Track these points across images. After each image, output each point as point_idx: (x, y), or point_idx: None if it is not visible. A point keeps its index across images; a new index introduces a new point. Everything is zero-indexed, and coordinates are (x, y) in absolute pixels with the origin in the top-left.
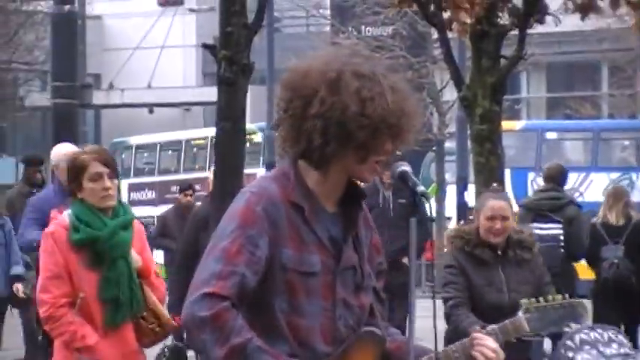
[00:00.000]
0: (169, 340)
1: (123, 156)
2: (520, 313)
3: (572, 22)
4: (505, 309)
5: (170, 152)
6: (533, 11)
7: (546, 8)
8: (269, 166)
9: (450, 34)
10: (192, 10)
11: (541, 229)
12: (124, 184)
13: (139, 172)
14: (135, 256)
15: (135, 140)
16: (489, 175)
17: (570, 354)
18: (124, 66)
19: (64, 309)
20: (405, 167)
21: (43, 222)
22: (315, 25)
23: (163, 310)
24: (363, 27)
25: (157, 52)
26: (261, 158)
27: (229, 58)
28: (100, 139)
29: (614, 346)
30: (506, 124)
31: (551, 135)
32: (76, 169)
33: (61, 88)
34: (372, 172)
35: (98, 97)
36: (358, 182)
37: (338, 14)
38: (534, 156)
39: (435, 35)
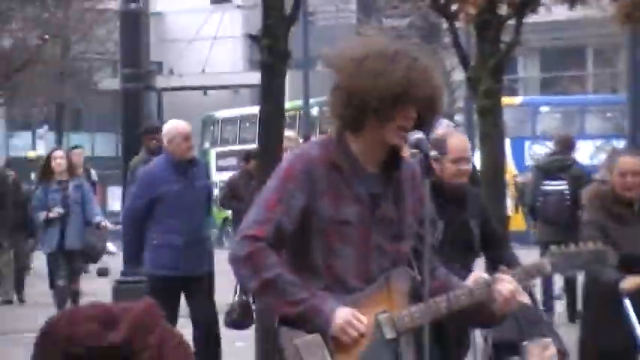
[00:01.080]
0: (237, 297)
1: (212, 128)
2: (546, 257)
3: (561, 12)
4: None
5: (247, 124)
6: (528, 2)
7: (539, 0)
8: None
9: (457, 24)
10: (239, 7)
11: (550, 185)
12: (212, 152)
13: (224, 142)
14: None
15: (220, 114)
16: (492, 143)
17: None
18: (182, 55)
19: None
20: (419, 135)
21: (151, 198)
22: (343, 18)
23: None
24: (383, 19)
25: (210, 42)
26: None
27: (270, 47)
28: (162, 117)
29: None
30: (506, 100)
31: (544, 109)
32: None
33: (128, 74)
34: (396, 137)
35: (160, 82)
36: (400, 150)
37: (362, 8)
38: (530, 127)
39: (445, 25)
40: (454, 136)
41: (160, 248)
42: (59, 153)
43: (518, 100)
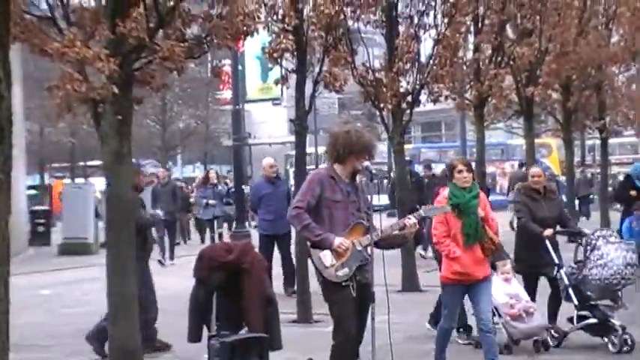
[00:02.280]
0: None
1: (289, 159)
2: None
3: (429, 105)
4: (547, 220)
5: None
6: (414, 102)
7: (420, 101)
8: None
9: (384, 112)
10: (284, 106)
11: None
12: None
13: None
14: (480, 212)
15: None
16: (400, 168)
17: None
18: (259, 128)
19: (445, 238)
20: (367, 163)
21: (255, 202)
22: (331, 110)
23: (496, 237)
24: (350, 111)
25: (272, 123)
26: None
27: (299, 124)
28: (252, 160)
29: (614, 237)
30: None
31: (424, 150)
32: (450, 168)
33: (236, 138)
34: (358, 165)
35: (249, 142)
36: (371, 171)
37: (340, 106)
38: (417, 160)
39: (378, 113)
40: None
41: (263, 221)
42: (212, 172)
43: (411, 146)
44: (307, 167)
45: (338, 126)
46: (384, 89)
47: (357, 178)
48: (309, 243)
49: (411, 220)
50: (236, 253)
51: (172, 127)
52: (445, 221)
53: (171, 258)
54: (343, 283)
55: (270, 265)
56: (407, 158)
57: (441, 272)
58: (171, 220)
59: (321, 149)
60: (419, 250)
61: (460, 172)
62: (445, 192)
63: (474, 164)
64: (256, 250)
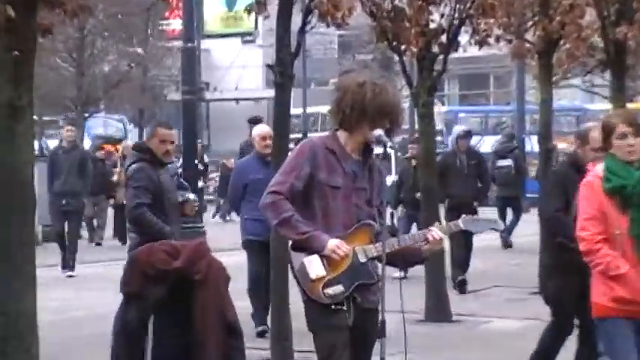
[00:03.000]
0: None
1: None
2: (460, 219)
3: (473, 51)
4: None
5: None
6: (452, 45)
7: (459, 43)
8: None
9: (405, 58)
10: (260, 45)
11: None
12: None
13: None
14: None
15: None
16: (428, 137)
17: None
18: (222, 78)
19: (600, 244)
20: (380, 132)
21: (237, 190)
22: (329, 53)
23: None
24: (355, 55)
25: (241, 69)
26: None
27: (281, 72)
28: (209, 120)
29: None
30: (436, 109)
31: (462, 115)
32: (606, 130)
33: (187, 91)
34: (372, 136)
35: (207, 96)
36: (385, 144)
37: (341, 47)
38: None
39: (397, 59)
40: (594, 130)
41: (250, 221)
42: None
43: (444, 108)
44: (291, 137)
45: (350, 76)
46: (407, 24)
47: (372, 154)
48: (289, 245)
49: (436, 233)
50: (184, 257)
51: (93, 71)
52: (600, 216)
53: (72, 267)
54: (334, 306)
55: (265, 287)
56: (437, 126)
57: (594, 298)
58: (74, 207)
59: (314, 110)
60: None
61: (623, 136)
62: (597, 168)
63: (535, 138)
64: (210, 253)
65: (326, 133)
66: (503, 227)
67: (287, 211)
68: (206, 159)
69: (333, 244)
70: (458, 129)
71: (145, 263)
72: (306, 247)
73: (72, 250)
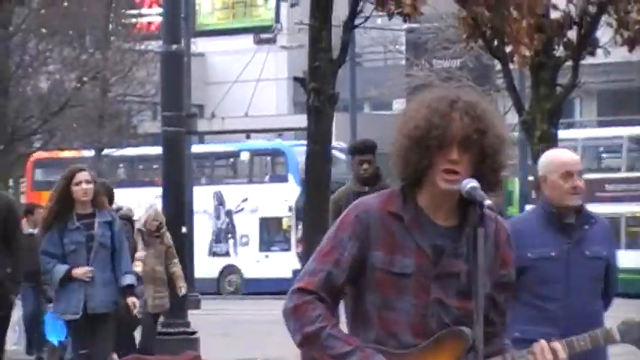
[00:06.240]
0: None
1: None
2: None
3: (620, 54)
4: None
5: None
6: (586, 44)
7: (597, 42)
8: None
9: (511, 66)
10: (283, 47)
11: None
12: None
13: None
14: None
15: None
16: None
17: None
18: (224, 97)
19: None
20: (473, 184)
21: None
22: (391, 59)
23: None
24: (434, 60)
25: (253, 84)
26: None
27: (317, 89)
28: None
29: None
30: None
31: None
32: None
33: (169, 118)
34: (442, 180)
35: (202, 125)
36: (481, 204)
37: (412, 49)
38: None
39: (498, 67)
40: None
41: None
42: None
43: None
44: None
45: (426, 94)
46: (515, 12)
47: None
48: None
49: (561, 354)
50: None
51: (24, 90)
52: None
53: None
54: None
55: None
56: None
57: None
58: None
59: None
60: None
61: None
62: None
63: None
64: None
65: (387, 191)
66: None
67: (315, 321)
68: None
69: None
70: None
71: None
72: None
73: None
